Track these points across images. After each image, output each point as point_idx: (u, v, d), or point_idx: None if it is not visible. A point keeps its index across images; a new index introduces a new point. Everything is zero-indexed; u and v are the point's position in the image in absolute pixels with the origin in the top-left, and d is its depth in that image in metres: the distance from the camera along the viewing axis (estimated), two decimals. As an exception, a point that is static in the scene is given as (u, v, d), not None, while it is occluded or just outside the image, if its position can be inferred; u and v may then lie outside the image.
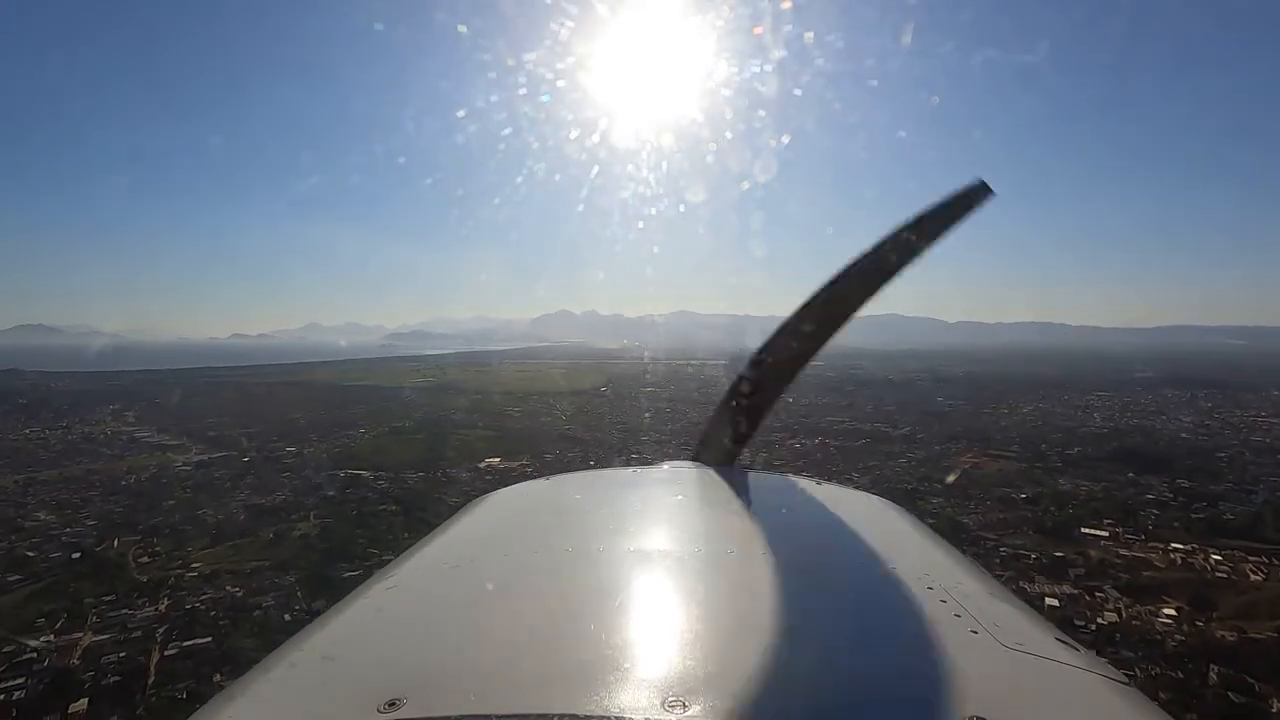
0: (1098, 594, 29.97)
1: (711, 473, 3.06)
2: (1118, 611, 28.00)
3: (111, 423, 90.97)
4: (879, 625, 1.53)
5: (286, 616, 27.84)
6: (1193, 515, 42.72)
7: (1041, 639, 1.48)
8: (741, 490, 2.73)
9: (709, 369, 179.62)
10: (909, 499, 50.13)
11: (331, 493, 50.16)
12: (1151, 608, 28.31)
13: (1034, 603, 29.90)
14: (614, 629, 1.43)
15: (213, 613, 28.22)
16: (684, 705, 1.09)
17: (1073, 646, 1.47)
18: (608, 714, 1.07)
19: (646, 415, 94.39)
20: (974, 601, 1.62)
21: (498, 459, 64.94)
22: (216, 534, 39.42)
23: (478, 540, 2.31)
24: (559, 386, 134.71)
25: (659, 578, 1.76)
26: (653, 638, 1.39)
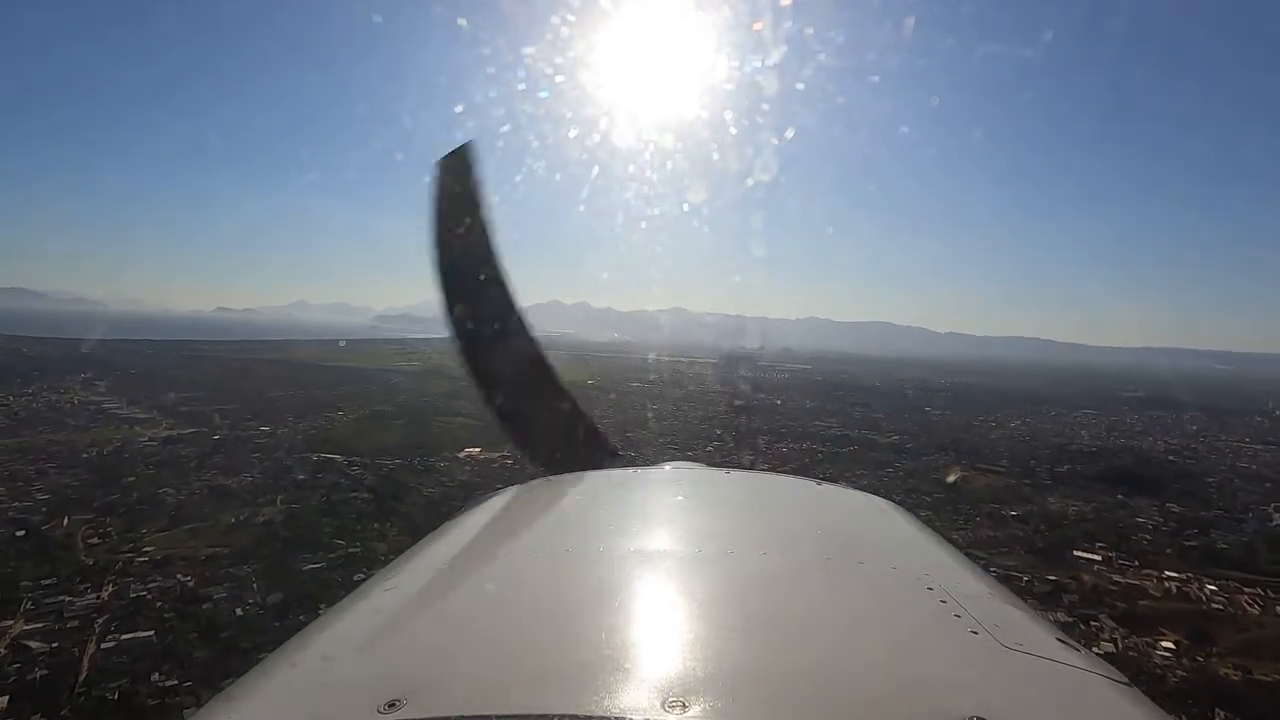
0: (1093, 623, 28.88)
1: (711, 473, 3.03)
2: (1114, 642, 26.90)
3: (81, 392, 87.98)
4: (879, 625, 1.53)
5: (238, 611, 26.14)
6: (1185, 543, 41.99)
7: (1041, 639, 1.47)
8: (741, 490, 2.72)
9: (700, 367, 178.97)
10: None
11: (302, 477, 48.24)
12: (1149, 639, 27.26)
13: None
14: (614, 629, 1.43)
15: (159, 603, 26.36)
16: (684, 705, 1.09)
17: (1073, 647, 1.46)
18: (608, 714, 1.07)
19: (632, 412, 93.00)
20: (974, 601, 1.60)
21: (478, 449, 63.05)
22: (175, 516, 37.43)
23: (478, 540, 2.29)
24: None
25: (659, 578, 1.75)
26: (653, 638, 1.39)
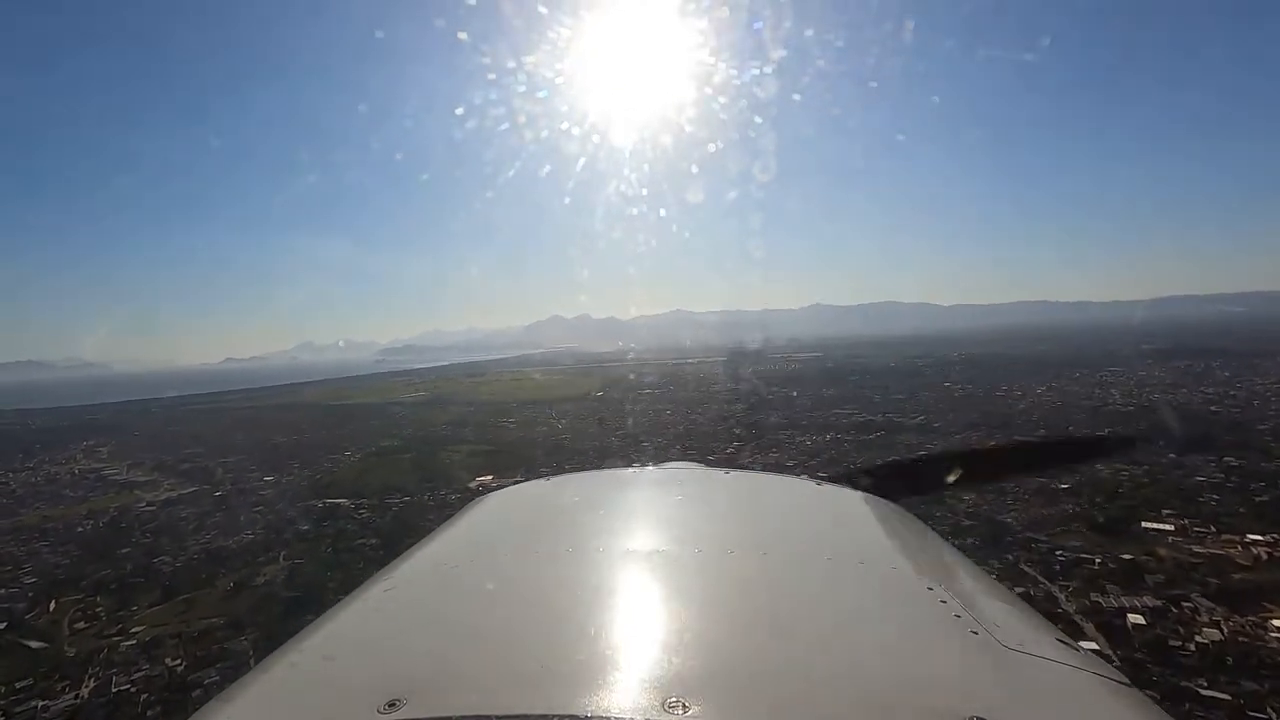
0: (1185, 604, 25.67)
1: (711, 473, 2.98)
2: (1217, 626, 23.67)
3: (82, 460, 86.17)
4: (879, 625, 1.53)
5: (230, 696, 23.36)
6: (1256, 499, 38.63)
7: (1041, 639, 1.49)
8: (741, 490, 2.70)
9: (706, 366, 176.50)
10: (936, 495, 46.11)
11: (305, 527, 45.61)
12: (1255, 618, 24.01)
13: (1113, 619, 25.74)
14: (614, 629, 1.45)
15: (144, 696, 23.61)
16: (684, 705, 1.09)
17: (1073, 647, 1.48)
18: (608, 714, 1.08)
19: (645, 418, 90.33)
20: (974, 601, 1.61)
21: (490, 476, 60.43)
22: (169, 586, 34.80)
23: (478, 540, 2.33)
24: (553, 394, 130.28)
25: (659, 578, 1.75)
26: (653, 638, 1.39)
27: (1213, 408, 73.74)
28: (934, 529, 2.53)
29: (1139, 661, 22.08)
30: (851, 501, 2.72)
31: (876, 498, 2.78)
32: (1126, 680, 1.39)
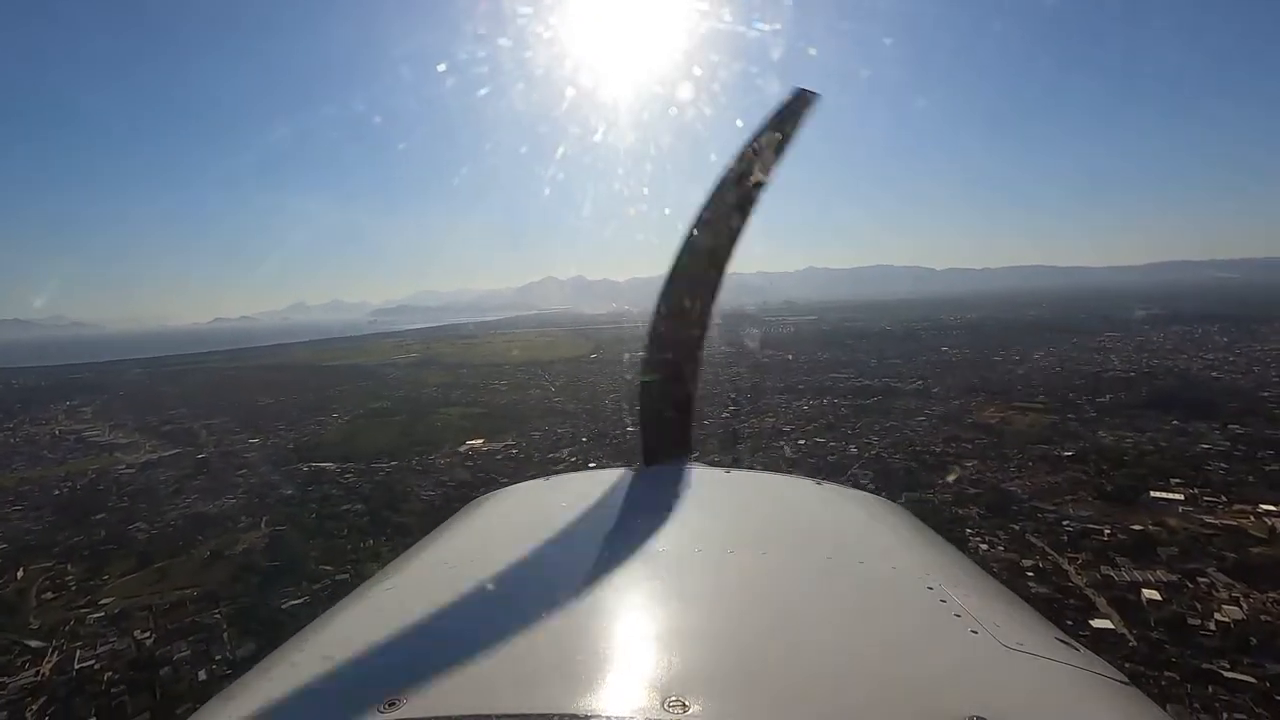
0: (1201, 579, 24.73)
1: (711, 473, 2.99)
2: (1237, 603, 22.73)
3: (63, 421, 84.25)
4: (879, 625, 1.53)
5: (201, 674, 22.09)
6: (1265, 468, 37.72)
7: (1041, 639, 1.48)
8: (741, 491, 2.72)
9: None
10: (938, 462, 44.94)
11: (289, 492, 44.25)
12: (1276, 595, 23.05)
13: (1126, 594, 24.76)
14: (614, 629, 1.46)
15: (108, 674, 22.38)
16: (684, 705, 1.10)
17: (1073, 646, 1.48)
18: (608, 714, 1.09)
19: (638, 382, 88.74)
20: (974, 601, 1.62)
21: (480, 440, 59.15)
22: (144, 554, 33.49)
23: (478, 540, 2.33)
24: (546, 355, 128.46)
25: (659, 578, 1.75)
26: (652, 638, 1.40)
27: (1214, 373, 72.92)
28: (933, 528, 2.51)
29: (1156, 641, 21.13)
30: (851, 501, 2.71)
31: (876, 497, 2.76)
32: (1126, 680, 1.37)
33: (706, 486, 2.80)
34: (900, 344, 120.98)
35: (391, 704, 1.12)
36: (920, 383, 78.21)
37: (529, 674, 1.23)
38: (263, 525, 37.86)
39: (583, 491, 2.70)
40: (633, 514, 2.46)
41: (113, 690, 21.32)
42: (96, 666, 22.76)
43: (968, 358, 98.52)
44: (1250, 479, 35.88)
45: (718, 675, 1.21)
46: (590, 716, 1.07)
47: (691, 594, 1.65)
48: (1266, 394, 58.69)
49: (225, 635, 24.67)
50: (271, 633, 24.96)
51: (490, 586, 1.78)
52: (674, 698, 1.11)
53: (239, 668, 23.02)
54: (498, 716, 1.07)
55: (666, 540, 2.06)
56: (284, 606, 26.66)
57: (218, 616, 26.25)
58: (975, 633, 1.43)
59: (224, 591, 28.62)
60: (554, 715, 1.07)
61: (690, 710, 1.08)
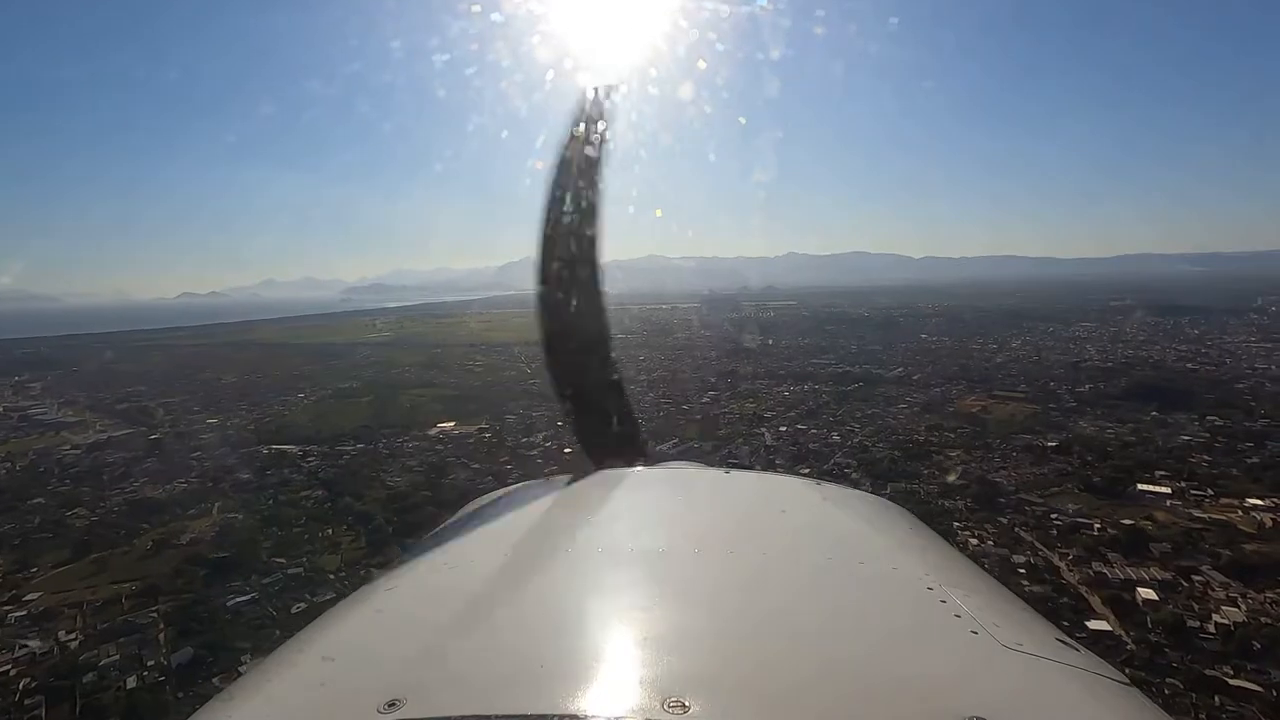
0: (1196, 578, 23.99)
1: (711, 473, 3.00)
2: (1235, 603, 21.97)
3: (9, 397, 79.88)
4: (879, 625, 1.53)
5: (130, 682, 19.95)
6: (1247, 460, 37.54)
7: (1041, 639, 1.49)
8: (741, 491, 2.72)
9: (683, 312, 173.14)
10: (922, 451, 44.02)
11: (246, 477, 41.81)
12: (1273, 595, 22.34)
13: (1121, 593, 23.86)
14: (613, 629, 1.46)
15: (24, 681, 20.17)
16: (684, 705, 1.10)
17: (1073, 647, 1.48)
18: (608, 714, 1.09)
19: (620, 364, 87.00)
20: (974, 601, 1.61)
21: (451, 423, 56.95)
22: (81, 543, 30.98)
23: (477, 541, 2.29)
24: (523, 337, 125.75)
25: (658, 578, 1.75)
26: (652, 638, 1.39)
27: (1189, 365, 73.53)
28: (934, 529, 2.49)
29: (1156, 645, 20.22)
30: (851, 501, 2.68)
31: (876, 498, 2.74)
32: (1126, 680, 1.37)
33: (706, 486, 2.79)
34: (880, 331, 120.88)
35: (391, 704, 1.12)
36: (901, 370, 77.73)
37: (529, 674, 1.22)
38: (214, 512, 35.54)
39: (582, 491, 2.67)
40: (632, 514, 2.43)
41: (26, 701, 19.15)
42: (12, 672, 20.49)
43: (947, 345, 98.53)
44: (1234, 471, 35.61)
45: (717, 675, 1.21)
46: (590, 717, 1.07)
47: (691, 594, 1.64)
48: (1241, 385, 59.14)
49: (161, 637, 22.45)
50: (212, 633, 22.95)
51: (490, 587, 1.74)
52: (673, 698, 1.11)
53: (172, 676, 21.04)
54: (498, 717, 1.07)
55: (666, 540, 2.05)
56: (229, 604, 24.58)
57: (154, 615, 24.04)
58: (975, 633, 1.43)
59: (165, 586, 26.37)
60: (554, 715, 1.07)
61: (690, 710, 1.08)
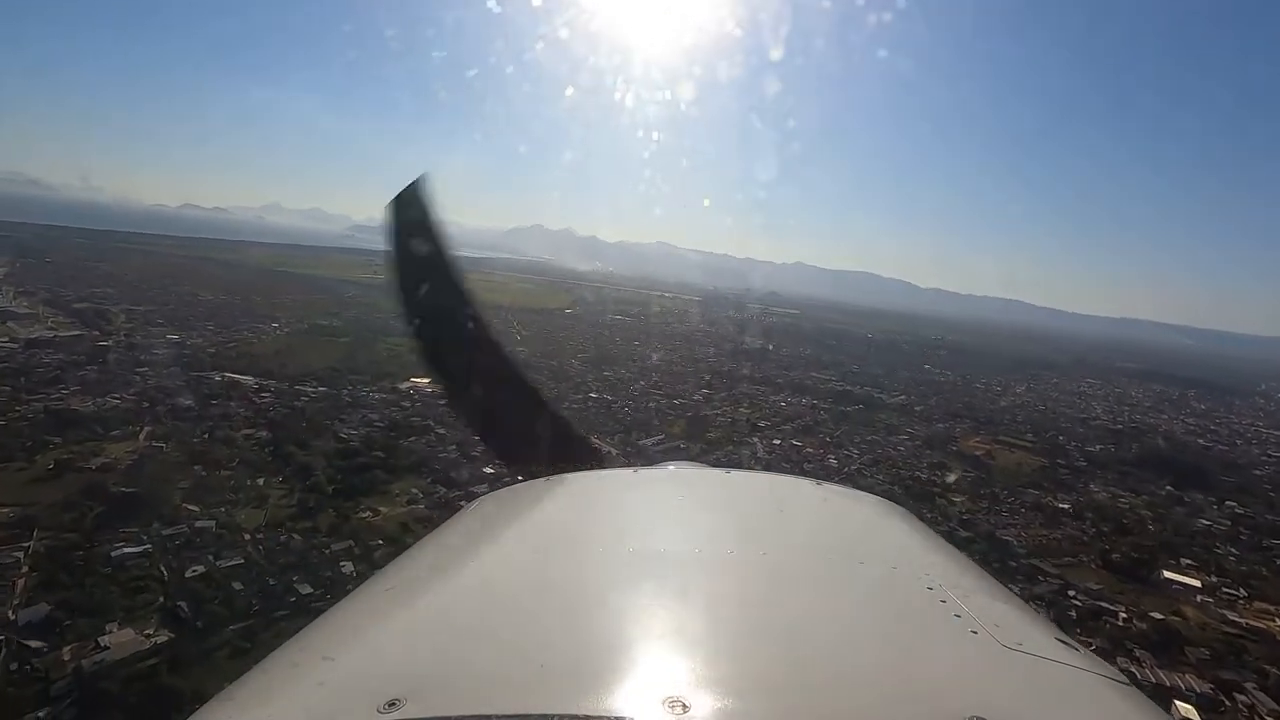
0: (1239, 696, 20.67)
1: (711, 473, 3.00)
2: (1291, 743, 18.57)
3: (-36, 278, 75.01)
4: (879, 625, 1.53)
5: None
6: (1277, 560, 34.45)
7: (1041, 639, 1.47)
8: (741, 491, 2.71)
9: (685, 304, 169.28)
10: (923, 491, 40.45)
11: (188, 403, 37.78)
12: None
13: (1156, 702, 20.60)
14: (614, 629, 1.46)
15: None
16: (684, 705, 1.10)
17: (1073, 646, 1.46)
18: (608, 714, 1.09)
19: (612, 347, 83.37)
20: (974, 601, 1.61)
21: (426, 380, 53.07)
22: (-25, 453, 26.97)
23: (477, 540, 2.27)
24: (520, 303, 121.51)
25: (658, 578, 1.74)
26: (652, 638, 1.39)
27: (1200, 440, 70.81)
28: (935, 529, 2.52)
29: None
30: (851, 501, 2.67)
31: (876, 498, 2.71)
32: (1126, 680, 1.35)
33: (706, 486, 2.81)
34: (882, 353, 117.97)
35: (391, 704, 1.11)
36: (903, 398, 74.56)
37: (529, 674, 1.22)
38: (139, 438, 31.60)
39: (582, 491, 2.67)
40: (632, 514, 2.44)
41: None
42: None
43: (950, 381, 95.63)
44: (1264, 572, 32.56)
45: (718, 675, 1.20)
46: (590, 717, 1.07)
47: (691, 594, 1.63)
48: (1259, 473, 56.31)
49: (19, 584, 18.68)
50: (80, 590, 19.11)
51: (490, 587, 1.73)
52: (674, 698, 1.11)
53: (12, 638, 17.29)
54: (498, 717, 1.07)
55: (666, 540, 2.06)
56: (114, 553, 20.75)
57: (19, 555, 20.14)
58: (975, 633, 1.43)
59: (47, 519, 22.50)
60: (554, 715, 1.06)
61: (690, 710, 1.08)
